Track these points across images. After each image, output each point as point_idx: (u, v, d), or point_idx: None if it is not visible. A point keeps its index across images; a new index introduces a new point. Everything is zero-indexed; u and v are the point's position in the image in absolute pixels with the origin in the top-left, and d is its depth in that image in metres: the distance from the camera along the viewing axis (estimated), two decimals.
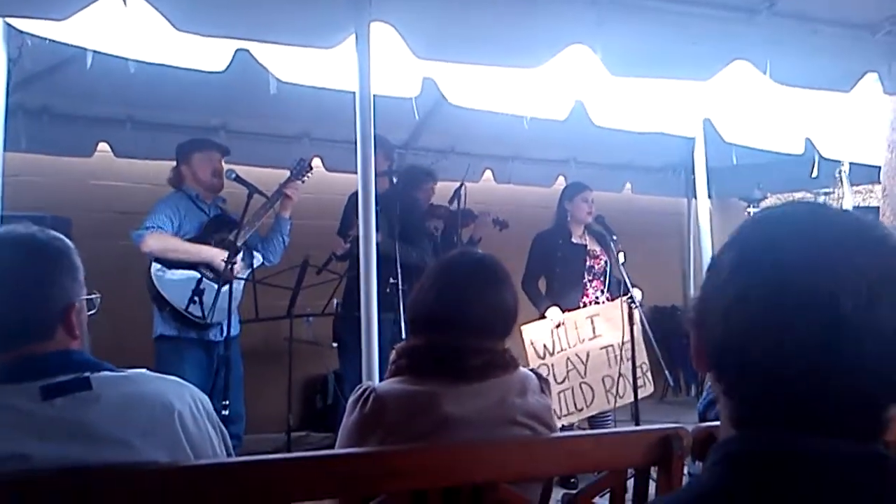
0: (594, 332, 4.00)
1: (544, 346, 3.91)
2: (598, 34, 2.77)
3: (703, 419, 2.19)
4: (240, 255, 3.51)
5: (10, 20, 2.63)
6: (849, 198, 5.63)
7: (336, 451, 1.49)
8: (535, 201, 5.49)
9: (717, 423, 0.79)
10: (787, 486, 0.68)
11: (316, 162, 4.74)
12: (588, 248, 4.23)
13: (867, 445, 0.70)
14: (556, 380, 3.83)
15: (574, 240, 4.22)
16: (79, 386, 1.23)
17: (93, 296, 1.37)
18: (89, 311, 1.36)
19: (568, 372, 3.92)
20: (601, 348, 3.99)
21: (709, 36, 2.97)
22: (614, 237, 4.06)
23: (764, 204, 6.15)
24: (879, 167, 3.75)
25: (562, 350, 3.94)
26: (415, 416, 1.45)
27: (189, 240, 3.56)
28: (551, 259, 4.18)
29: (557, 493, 3.24)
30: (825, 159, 4.56)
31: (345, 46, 2.61)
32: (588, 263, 4.21)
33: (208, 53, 2.92)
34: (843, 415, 0.70)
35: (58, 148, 4.52)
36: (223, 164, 3.75)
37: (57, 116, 4.48)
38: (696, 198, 5.07)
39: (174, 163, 3.73)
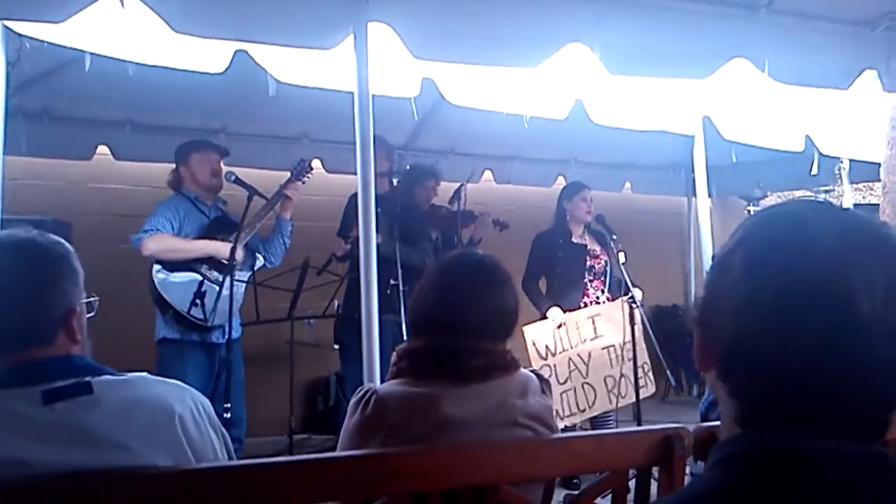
0: (595, 332, 4.00)
1: (546, 346, 3.90)
2: (596, 32, 2.77)
3: (704, 419, 2.19)
4: (242, 251, 3.49)
5: (8, 23, 2.62)
6: (848, 195, 5.64)
7: (336, 453, 1.49)
8: (535, 201, 5.49)
9: (719, 423, 0.79)
10: (788, 486, 0.68)
11: (316, 163, 4.73)
12: (588, 247, 4.22)
13: (868, 445, 0.70)
14: (558, 380, 3.82)
15: (574, 240, 4.22)
16: (80, 390, 1.23)
17: (91, 299, 1.36)
18: (88, 314, 1.36)
19: (570, 372, 3.91)
20: (603, 348, 3.99)
21: (707, 33, 2.96)
22: (614, 237, 4.05)
23: (764, 202, 6.14)
24: (879, 164, 3.76)
25: (564, 350, 3.93)
26: (416, 418, 1.45)
27: None
28: (551, 259, 4.17)
29: (559, 494, 3.25)
30: (825, 156, 4.55)
31: (343, 47, 2.61)
32: (588, 263, 4.20)
33: (207, 55, 2.92)
34: (850, 416, 0.70)
35: (57, 151, 4.52)
36: (222, 165, 3.74)
37: (56, 119, 4.48)
38: (696, 196, 5.05)
39: (174, 165, 3.73)
